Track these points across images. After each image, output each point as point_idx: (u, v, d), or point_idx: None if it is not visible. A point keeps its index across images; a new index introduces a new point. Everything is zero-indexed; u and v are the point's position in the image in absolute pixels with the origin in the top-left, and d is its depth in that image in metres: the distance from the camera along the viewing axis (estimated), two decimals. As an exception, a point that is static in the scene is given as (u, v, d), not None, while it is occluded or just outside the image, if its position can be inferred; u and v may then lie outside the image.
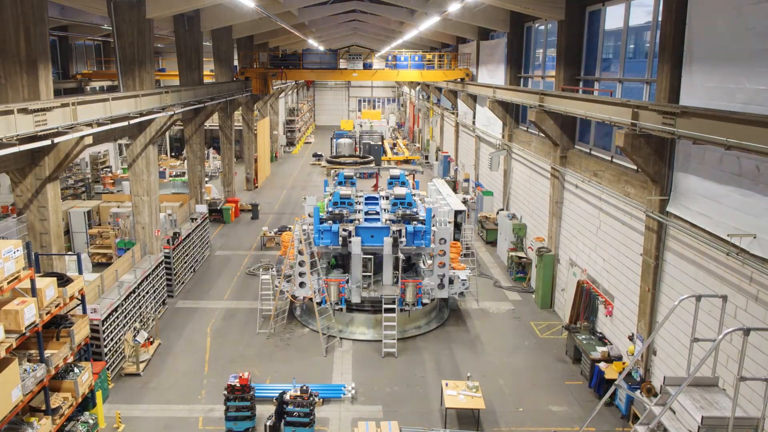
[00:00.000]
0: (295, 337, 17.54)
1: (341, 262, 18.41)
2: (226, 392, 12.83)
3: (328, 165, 44.40)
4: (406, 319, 17.58)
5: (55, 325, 11.84)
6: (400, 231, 16.87)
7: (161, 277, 18.84)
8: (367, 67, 32.48)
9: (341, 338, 17.08)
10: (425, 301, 17.38)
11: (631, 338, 14.17)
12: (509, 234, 23.23)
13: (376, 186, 32.47)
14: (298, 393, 12.89)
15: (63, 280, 11.97)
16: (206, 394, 14.46)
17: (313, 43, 43.70)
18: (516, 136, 24.27)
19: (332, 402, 14.22)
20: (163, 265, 19.14)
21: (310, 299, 17.81)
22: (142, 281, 17.03)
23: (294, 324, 18.34)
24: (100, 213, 24.71)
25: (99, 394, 13.01)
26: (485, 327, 18.35)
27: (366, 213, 18.65)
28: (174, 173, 37.08)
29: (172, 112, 18.61)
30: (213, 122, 39.95)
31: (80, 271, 13.03)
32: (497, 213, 26.35)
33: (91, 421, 12.48)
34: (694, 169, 11.96)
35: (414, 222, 17.29)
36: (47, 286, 11.16)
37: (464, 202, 27.78)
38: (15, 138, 11.08)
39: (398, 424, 12.87)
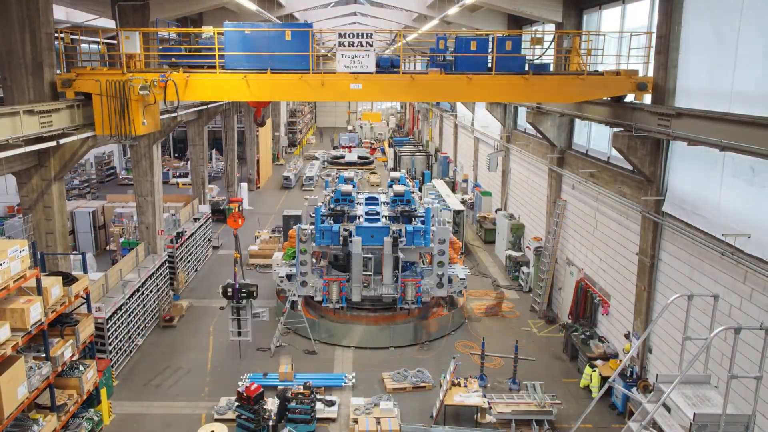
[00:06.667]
0: (297, 335, 17.73)
1: (341, 261, 18.59)
2: (236, 398, 12.90)
3: (329, 165, 44.70)
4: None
5: (61, 324, 12.05)
6: (399, 231, 17.07)
7: (165, 276, 19.05)
8: (385, 65, 14.27)
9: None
10: (425, 299, 17.59)
11: (627, 336, 14.34)
12: (507, 234, 23.40)
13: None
14: (301, 390, 13.10)
15: (68, 279, 12.17)
16: (209, 391, 14.66)
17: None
18: (514, 137, 24.45)
19: (333, 391, 14.56)
20: (167, 265, 19.36)
21: (310, 297, 18.01)
22: (146, 280, 17.24)
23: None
24: (104, 213, 24.91)
25: (103, 392, 13.20)
26: (484, 325, 18.53)
27: (366, 213, 18.85)
28: (177, 173, 37.30)
29: (176, 114, 18.79)
30: (216, 123, 40.15)
31: (85, 271, 13.25)
32: (495, 212, 26.55)
33: (95, 418, 12.69)
34: (689, 170, 12.14)
35: (413, 220, 17.50)
36: (52, 285, 11.36)
37: (463, 202, 28.01)
38: (21, 139, 11.27)
39: (398, 420, 13.07)
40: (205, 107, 24.42)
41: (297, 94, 14.54)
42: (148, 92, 13.24)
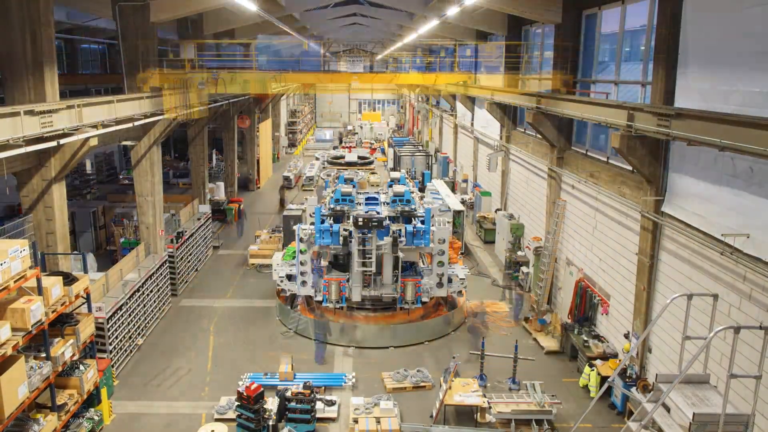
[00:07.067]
0: (297, 333, 17.76)
1: (342, 261, 18.62)
2: (236, 398, 12.93)
3: (329, 165, 44.72)
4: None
5: (61, 323, 12.08)
6: (399, 231, 17.09)
7: (165, 276, 19.08)
8: (367, 70, 31.72)
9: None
10: (424, 299, 17.61)
11: (626, 336, 14.35)
12: (507, 234, 23.41)
13: None
14: (301, 389, 13.11)
15: (68, 279, 12.20)
16: (210, 390, 14.69)
17: (313, 45, 42.32)
18: (514, 137, 24.46)
19: (333, 390, 14.59)
20: (167, 265, 19.39)
21: (310, 297, 18.03)
22: (146, 280, 17.27)
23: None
24: (105, 213, 24.91)
25: (104, 391, 13.23)
26: (483, 325, 18.54)
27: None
28: (177, 173, 37.33)
29: (176, 114, 18.82)
30: (216, 123, 40.12)
31: (85, 270, 13.27)
32: (495, 212, 26.56)
33: (96, 418, 12.71)
34: (688, 170, 12.16)
35: (413, 219, 17.53)
36: (53, 284, 11.39)
37: (463, 202, 28.04)
38: (21, 139, 11.29)
39: (398, 420, 13.09)
40: (205, 107, 24.38)
41: (312, 86, 22.02)
42: (204, 86, 18.48)
